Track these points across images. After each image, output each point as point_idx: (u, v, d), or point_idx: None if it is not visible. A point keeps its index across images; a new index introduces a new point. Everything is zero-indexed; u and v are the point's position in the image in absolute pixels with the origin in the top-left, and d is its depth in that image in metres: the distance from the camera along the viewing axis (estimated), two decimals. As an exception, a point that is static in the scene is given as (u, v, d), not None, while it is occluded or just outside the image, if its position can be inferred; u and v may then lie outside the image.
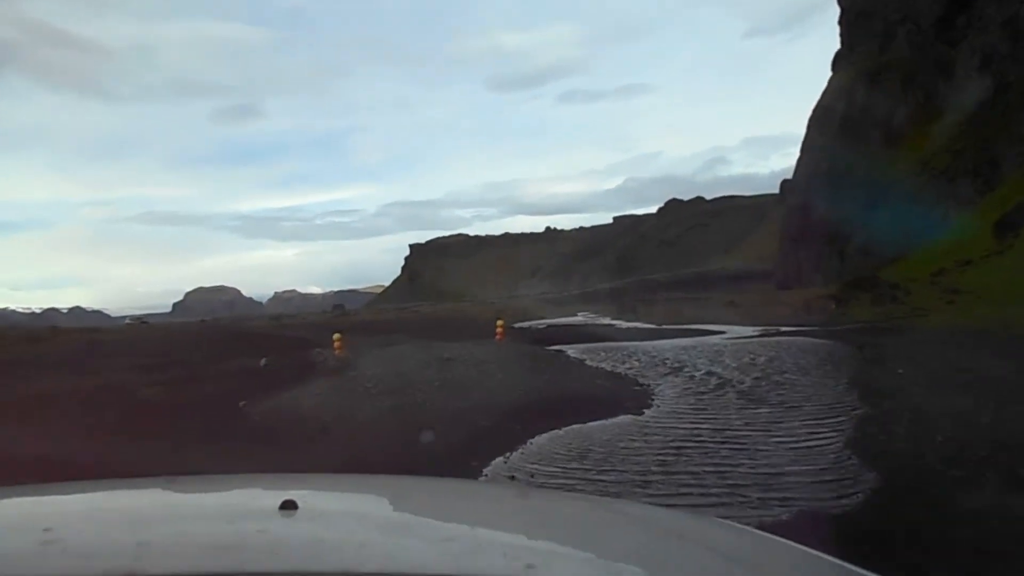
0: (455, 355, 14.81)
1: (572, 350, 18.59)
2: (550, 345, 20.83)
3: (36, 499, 1.75)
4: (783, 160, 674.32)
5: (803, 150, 67.63)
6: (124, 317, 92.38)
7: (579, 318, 45.81)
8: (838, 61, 66.59)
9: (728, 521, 1.97)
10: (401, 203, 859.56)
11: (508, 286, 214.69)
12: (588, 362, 15.21)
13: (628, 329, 27.64)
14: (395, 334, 34.23)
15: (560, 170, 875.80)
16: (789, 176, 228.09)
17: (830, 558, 1.42)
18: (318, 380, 13.15)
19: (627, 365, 14.14)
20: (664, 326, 27.55)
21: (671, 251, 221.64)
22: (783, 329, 22.60)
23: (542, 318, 48.36)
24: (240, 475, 2.53)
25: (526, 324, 39.97)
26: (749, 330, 23.17)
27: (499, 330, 19.39)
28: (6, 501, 1.70)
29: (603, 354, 17.07)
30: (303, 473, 3.08)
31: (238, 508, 1.67)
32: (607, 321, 36.03)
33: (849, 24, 65.14)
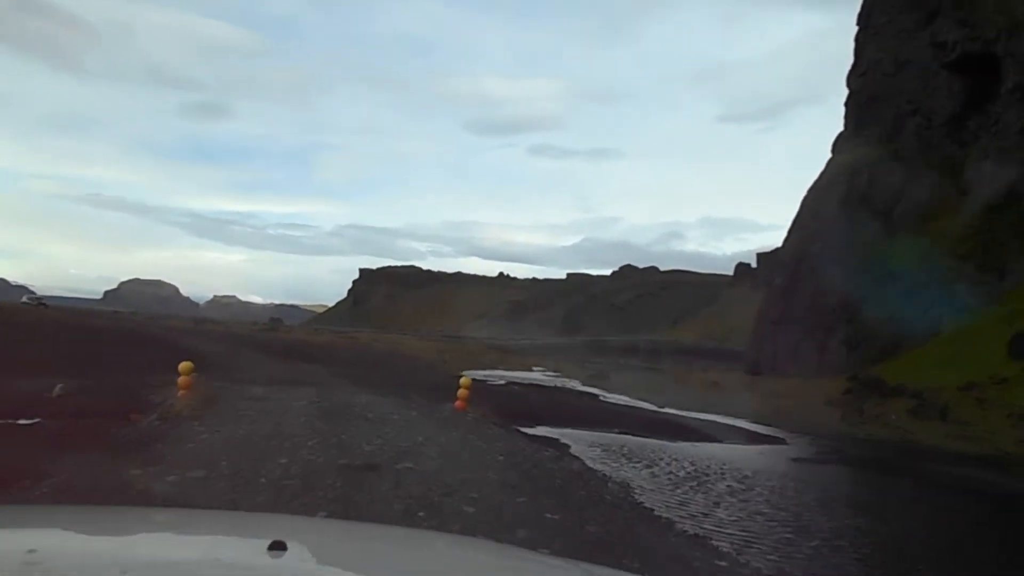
0: (388, 446, 7.23)
1: (579, 444, 11.24)
2: (532, 423, 13.41)
3: (26, 520, 1.74)
4: (737, 244, 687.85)
5: (793, 230, 62.45)
6: (22, 295, 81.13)
7: (538, 375, 38.34)
8: (840, 143, 62.09)
9: None
10: (357, 226, 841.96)
11: (454, 325, 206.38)
12: (645, 502, 7.58)
13: (623, 407, 20.21)
14: (315, 364, 26.17)
15: (520, 219, 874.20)
16: (742, 260, 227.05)
17: None
18: (54, 478, 5.32)
19: (745, 535, 6.68)
20: (668, 409, 20.31)
21: (620, 315, 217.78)
22: (868, 449, 15.45)
23: (496, 368, 40.86)
24: (231, 512, 2.85)
25: (480, 374, 32.36)
26: (808, 444, 15.89)
27: (462, 393, 11.78)
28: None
29: (650, 470, 9.67)
30: (292, 516, 2.92)
31: (226, 545, 1.63)
32: (581, 386, 28.60)
33: (857, 107, 60.80)
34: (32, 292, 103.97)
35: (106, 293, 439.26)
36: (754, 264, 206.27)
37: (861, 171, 57.24)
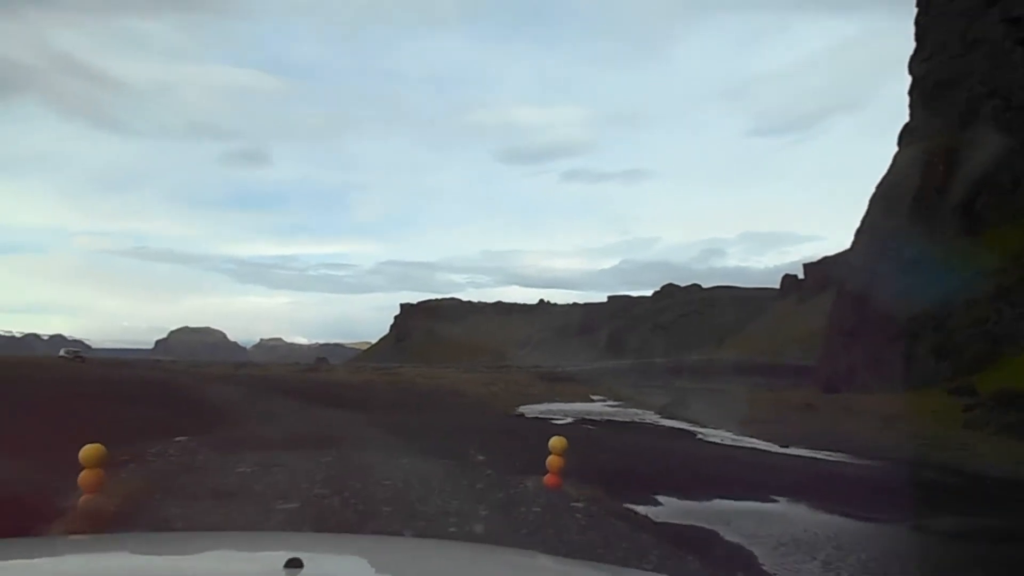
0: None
1: (763, 546, 6.71)
2: (648, 492, 8.92)
3: (40, 551, 1.72)
4: (779, 257, 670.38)
5: (861, 232, 56.87)
6: (60, 348, 79.29)
7: (602, 406, 33.54)
8: (907, 134, 56.54)
9: None
10: (396, 262, 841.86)
11: (497, 355, 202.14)
12: None
13: (740, 451, 15.27)
14: (349, 409, 21.92)
15: (557, 245, 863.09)
16: (789, 271, 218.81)
17: None
18: None
19: None
20: (793, 449, 15.43)
21: (665, 335, 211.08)
22: None
23: (551, 400, 36.23)
24: (245, 532, 2.81)
25: (538, 410, 27.84)
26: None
27: (554, 463, 7.12)
28: (11, 552, 1.65)
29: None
30: (309, 532, 3.07)
31: (242, 564, 1.62)
32: (660, 420, 23.76)
33: (923, 94, 55.30)
34: (74, 346, 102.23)
35: (157, 343, 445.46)
36: (801, 275, 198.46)
37: (935, 162, 51.63)
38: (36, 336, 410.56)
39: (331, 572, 1.53)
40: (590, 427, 20.07)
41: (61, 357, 64.00)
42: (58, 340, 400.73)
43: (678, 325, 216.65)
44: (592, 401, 39.55)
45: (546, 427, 19.82)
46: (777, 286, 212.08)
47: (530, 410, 28.48)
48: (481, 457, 11.48)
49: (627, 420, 23.80)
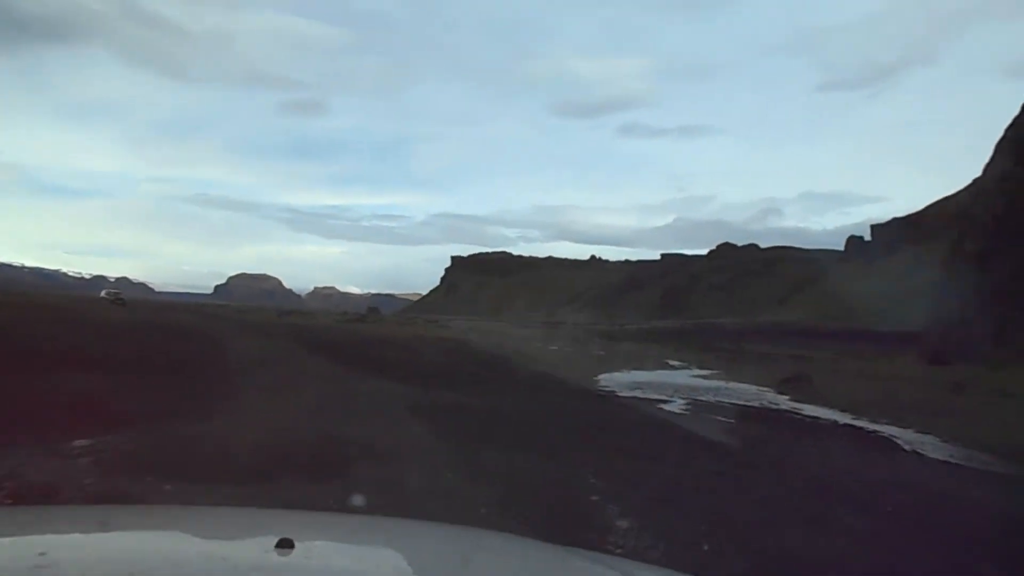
0: None
1: None
2: None
3: (36, 522, 1.68)
4: (840, 218, 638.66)
5: (984, 181, 48.43)
6: (107, 290, 76.61)
7: (694, 378, 27.49)
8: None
9: None
10: (449, 215, 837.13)
11: (547, 309, 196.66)
12: None
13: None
14: (385, 376, 16.42)
15: (611, 201, 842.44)
16: (852, 233, 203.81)
17: None
18: None
19: None
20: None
21: (722, 295, 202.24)
22: None
23: (626, 367, 30.35)
24: (240, 508, 2.68)
25: (624, 382, 22.02)
26: None
27: None
28: (6, 521, 1.65)
29: None
30: (300, 511, 2.76)
31: (234, 543, 1.60)
32: (801, 405, 17.57)
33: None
34: (128, 289, 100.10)
35: (216, 288, 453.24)
36: (868, 237, 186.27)
37: (1088, 99, 42.91)
38: (103, 278, 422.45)
39: (324, 554, 1.47)
40: (720, 418, 14.11)
41: (102, 298, 60.72)
42: (124, 282, 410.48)
43: (735, 285, 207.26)
44: (674, 368, 33.50)
45: (657, 416, 13.88)
46: (839, 248, 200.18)
47: (612, 381, 22.65)
48: (624, 523, 5.58)
49: (754, 404, 17.74)
